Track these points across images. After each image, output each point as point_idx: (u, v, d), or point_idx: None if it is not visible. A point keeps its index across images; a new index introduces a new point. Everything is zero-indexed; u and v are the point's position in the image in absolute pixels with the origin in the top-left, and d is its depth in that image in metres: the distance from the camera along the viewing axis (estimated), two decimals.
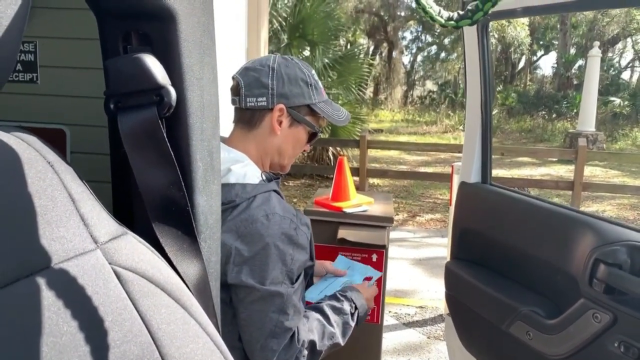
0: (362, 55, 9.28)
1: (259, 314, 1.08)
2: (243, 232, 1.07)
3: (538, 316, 1.18)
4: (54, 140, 1.70)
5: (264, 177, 1.22)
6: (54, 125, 1.67)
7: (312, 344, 1.16)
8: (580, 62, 22.16)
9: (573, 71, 22.73)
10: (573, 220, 1.17)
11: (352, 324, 1.29)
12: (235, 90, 1.23)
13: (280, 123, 1.22)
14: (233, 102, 1.25)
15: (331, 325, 1.22)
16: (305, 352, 1.14)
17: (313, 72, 1.27)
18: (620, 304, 1.00)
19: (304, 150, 1.34)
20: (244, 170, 1.17)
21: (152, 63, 0.59)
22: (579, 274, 1.09)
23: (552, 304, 1.19)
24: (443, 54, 27.31)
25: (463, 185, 1.56)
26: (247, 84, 1.20)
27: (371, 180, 8.57)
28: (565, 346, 1.11)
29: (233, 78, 1.25)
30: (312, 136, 1.31)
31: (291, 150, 1.28)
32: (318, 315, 1.23)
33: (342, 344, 1.25)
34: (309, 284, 1.50)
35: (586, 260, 1.08)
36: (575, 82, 21.88)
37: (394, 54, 23.80)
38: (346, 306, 1.28)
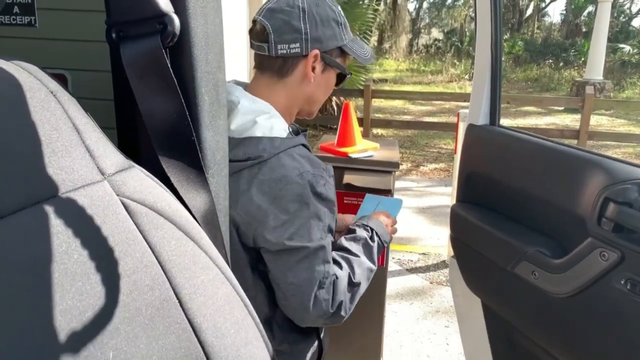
0: (366, 1, 9.00)
1: (307, 271, 1.05)
2: (278, 194, 1.02)
3: (544, 256, 1.19)
4: None
5: (291, 130, 1.17)
6: (54, 70, 1.64)
7: (349, 276, 1.14)
8: (590, 8, 21.60)
9: (582, 18, 22.18)
10: (583, 160, 1.15)
11: (373, 244, 1.24)
12: (262, 36, 1.11)
13: (313, 69, 1.14)
14: (259, 48, 1.13)
15: (355, 255, 1.19)
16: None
17: (339, 7, 1.17)
18: (629, 242, 1.00)
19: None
20: (270, 122, 1.09)
21: None
22: (587, 214, 1.09)
23: (559, 244, 1.19)
24: (449, 0, 26.64)
25: (471, 127, 1.54)
26: (277, 28, 1.08)
27: (375, 131, 8.53)
28: (571, 285, 1.12)
29: (255, 21, 1.13)
30: (340, 79, 1.24)
31: (322, 97, 1.23)
32: (342, 254, 1.19)
33: (374, 266, 1.22)
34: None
35: (595, 199, 1.07)
36: (584, 30, 21.40)
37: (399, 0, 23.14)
38: (361, 232, 1.24)
